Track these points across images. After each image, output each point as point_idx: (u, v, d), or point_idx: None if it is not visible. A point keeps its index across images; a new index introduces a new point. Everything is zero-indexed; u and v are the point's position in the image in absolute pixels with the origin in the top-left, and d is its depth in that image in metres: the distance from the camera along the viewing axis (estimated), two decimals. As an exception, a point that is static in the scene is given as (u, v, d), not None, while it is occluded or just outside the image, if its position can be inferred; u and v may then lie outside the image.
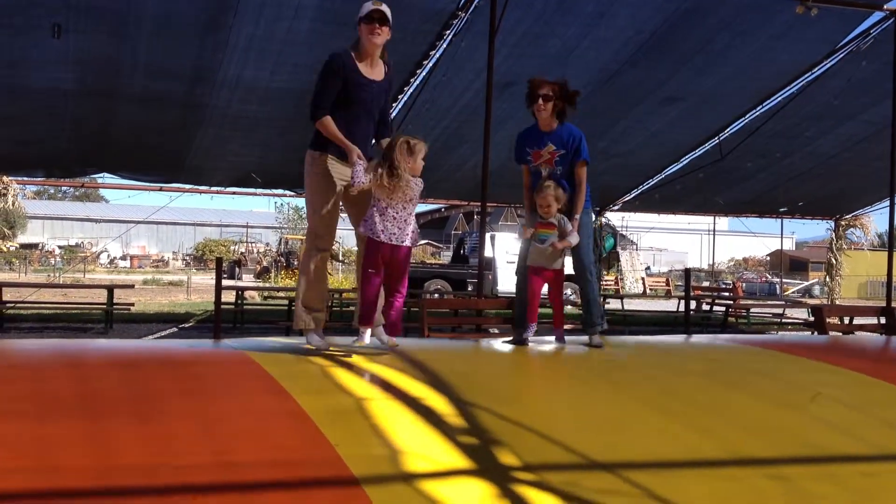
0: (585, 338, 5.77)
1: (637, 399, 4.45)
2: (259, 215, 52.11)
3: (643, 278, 36.92)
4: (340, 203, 4.98)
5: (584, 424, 4.04)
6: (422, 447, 3.42)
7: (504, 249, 21.96)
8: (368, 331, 4.47)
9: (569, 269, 5.75)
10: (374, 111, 4.93)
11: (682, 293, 15.45)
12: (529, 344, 5.65)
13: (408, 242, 4.53)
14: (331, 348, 4.68)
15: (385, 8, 4.79)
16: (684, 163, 15.56)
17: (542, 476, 3.22)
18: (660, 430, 3.94)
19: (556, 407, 4.43)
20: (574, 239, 5.51)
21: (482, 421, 3.72)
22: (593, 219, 6.15)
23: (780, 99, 13.35)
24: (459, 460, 3.33)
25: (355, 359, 4.56)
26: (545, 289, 5.78)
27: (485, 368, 5.25)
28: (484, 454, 3.39)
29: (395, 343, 4.64)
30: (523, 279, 5.73)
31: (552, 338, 5.82)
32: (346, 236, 25.89)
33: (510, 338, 5.85)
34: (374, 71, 4.88)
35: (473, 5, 10.40)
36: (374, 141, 5.08)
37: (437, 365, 4.60)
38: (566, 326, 5.87)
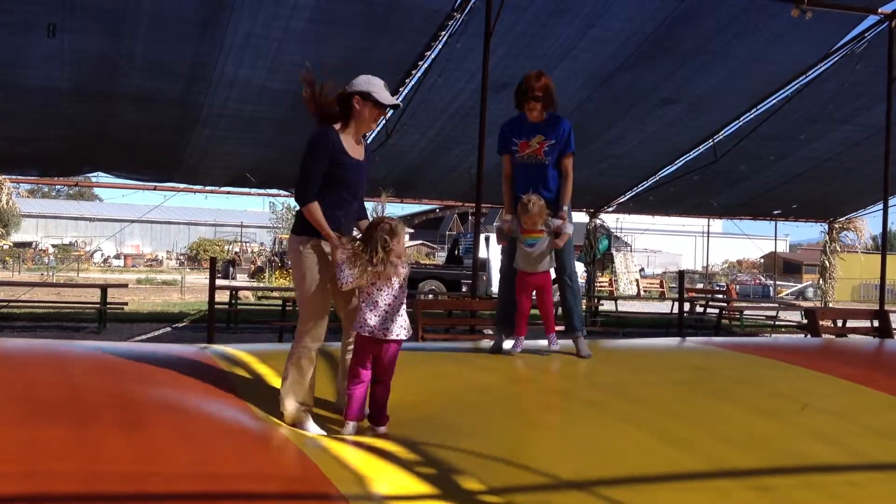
0: (573, 347, 5.65)
1: (616, 415, 4.42)
2: (253, 215, 52.05)
3: (637, 280, 36.96)
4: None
5: (559, 445, 4.02)
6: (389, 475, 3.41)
7: (498, 250, 21.95)
8: (353, 424, 4.14)
9: None
10: (359, 193, 4.58)
11: (676, 295, 15.46)
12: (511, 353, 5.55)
13: (401, 336, 4.24)
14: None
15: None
16: (679, 165, 15.58)
17: (510, 498, 3.20)
18: (639, 446, 3.90)
19: (528, 429, 4.37)
20: (569, 228, 5.42)
21: (443, 455, 3.66)
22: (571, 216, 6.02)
23: (774, 101, 13.38)
24: (422, 487, 3.30)
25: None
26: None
27: (453, 393, 5.08)
28: (447, 482, 3.35)
29: (384, 431, 4.27)
30: (507, 283, 5.64)
31: (543, 342, 5.70)
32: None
33: (491, 344, 5.80)
34: (358, 149, 4.54)
35: (469, 6, 10.41)
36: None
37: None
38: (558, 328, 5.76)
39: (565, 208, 5.50)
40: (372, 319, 4.18)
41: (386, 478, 3.36)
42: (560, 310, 5.85)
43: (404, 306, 4.29)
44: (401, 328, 4.22)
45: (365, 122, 4.51)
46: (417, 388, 4.71)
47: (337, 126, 4.47)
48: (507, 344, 5.63)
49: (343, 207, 4.41)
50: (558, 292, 5.76)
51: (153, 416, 3.77)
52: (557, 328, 5.67)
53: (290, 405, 4.18)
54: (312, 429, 4.14)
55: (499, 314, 5.80)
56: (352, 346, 4.38)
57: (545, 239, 5.38)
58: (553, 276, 5.65)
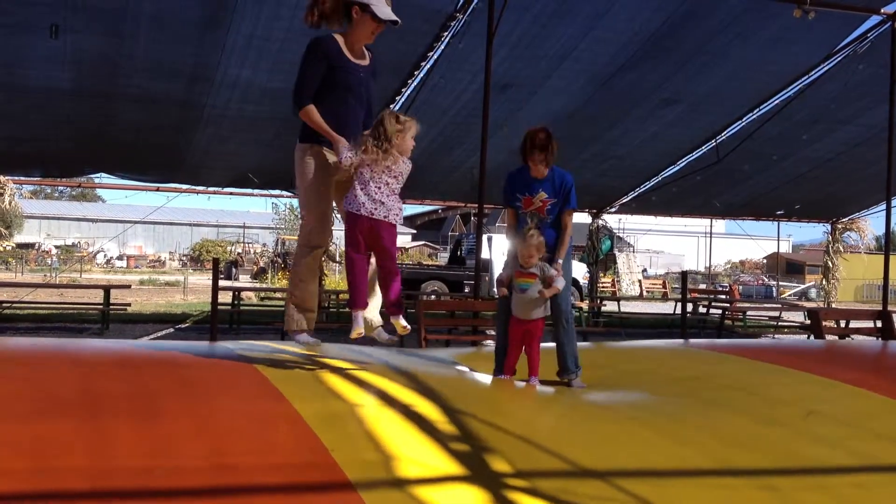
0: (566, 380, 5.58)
1: (624, 415, 4.43)
2: (256, 216, 52.13)
3: (640, 280, 36.96)
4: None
5: (574, 436, 4.03)
6: (415, 453, 3.41)
7: (501, 251, 21.94)
8: (360, 314, 4.17)
9: None
10: (363, 96, 4.68)
11: (679, 295, 15.44)
12: None
13: (391, 218, 4.23)
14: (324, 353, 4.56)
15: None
16: (681, 165, 15.57)
17: (534, 482, 3.22)
18: (650, 444, 3.92)
19: (546, 418, 4.41)
20: (560, 283, 5.35)
21: (473, 428, 3.70)
22: (573, 266, 5.99)
23: (777, 102, 13.37)
24: (451, 466, 3.32)
25: (349, 365, 4.51)
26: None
27: (476, 382, 5.19)
28: (476, 460, 3.38)
29: (405, 326, 4.31)
30: (503, 325, 5.59)
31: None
32: (342, 237, 25.81)
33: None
34: (359, 55, 4.65)
35: (471, 7, 10.41)
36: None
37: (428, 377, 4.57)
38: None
39: (560, 261, 5.50)
40: (361, 196, 4.17)
41: (408, 457, 3.34)
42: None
43: (398, 195, 4.28)
44: (390, 211, 4.20)
45: (363, 33, 4.56)
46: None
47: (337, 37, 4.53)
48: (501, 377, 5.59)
49: (345, 109, 4.44)
50: (554, 335, 5.67)
51: (164, 409, 3.76)
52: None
53: (291, 310, 4.26)
54: (306, 340, 4.20)
55: (497, 359, 5.76)
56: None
57: (537, 284, 5.33)
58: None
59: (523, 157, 5.58)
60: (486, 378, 5.34)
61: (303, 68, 4.52)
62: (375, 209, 4.16)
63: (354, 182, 4.25)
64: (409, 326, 4.39)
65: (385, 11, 4.52)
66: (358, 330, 4.18)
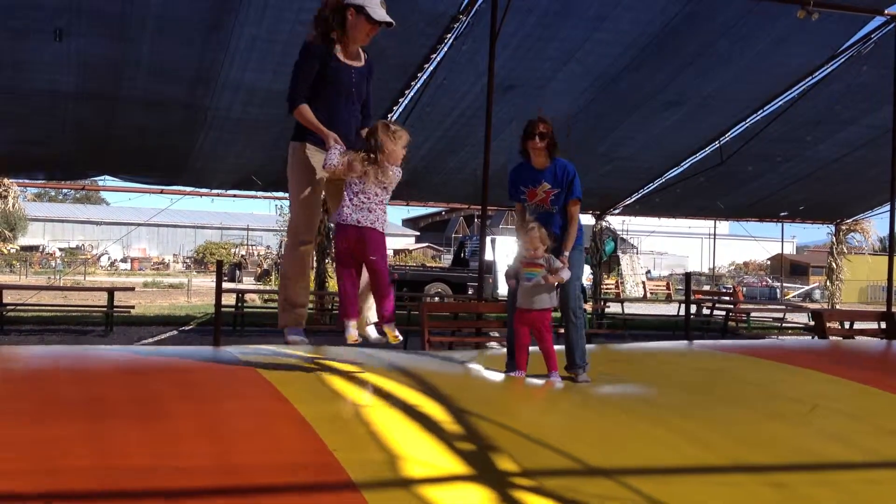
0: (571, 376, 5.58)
1: (632, 412, 4.43)
2: (260, 218, 52.06)
3: (644, 282, 36.94)
4: (323, 195, 4.80)
5: (580, 434, 4.04)
6: (419, 453, 3.41)
7: (505, 253, 21.94)
8: (352, 323, 4.19)
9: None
10: (355, 97, 4.71)
11: (683, 297, 15.42)
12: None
13: (377, 226, 4.24)
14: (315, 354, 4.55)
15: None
16: (685, 166, 15.56)
17: (541, 481, 3.22)
18: (658, 441, 3.92)
19: (552, 417, 4.42)
20: (566, 274, 5.34)
21: (478, 428, 3.71)
22: (584, 257, 6.01)
23: (780, 103, 13.35)
24: (456, 466, 3.32)
25: (351, 367, 4.51)
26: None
27: (480, 381, 5.19)
28: (481, 460, 3.38)
29: (396, 336, 4.34)
30: (511, 319, 5.59)
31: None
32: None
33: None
34: (353, 57, 4.68)
35: (475, 9, 10.42)
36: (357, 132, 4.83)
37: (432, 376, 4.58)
38: None
39: (567, 254, 5.51)
40: (348, 207, 4.22)
41: (413, 457, 3.35)
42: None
43: (384, 205, 4.31)
44: (377, 219, 4.24)
45: (358, 35, 4.59)
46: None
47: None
48: (514, 374, 5.57)
49: (336, 109, 4.48)
50: (563, 329, 5.69)
51: (168, 410, 3.77)
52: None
53: (283, 307, 4.31)
54: (296, 337, 4.22)
55: (508, 349, 5.77)
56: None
57: (542, 273, 5.34)
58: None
59: (523, 148, 5.61)
60: (491, 376, 5.34)
61: (296, 69, 4.61)
62: (362, 217, 4.21)
63: (344, 193, 4.31)
64: (400, 336, 4.44)
65: (379, 13, 4.56)
66: (352, 337, 4.18)
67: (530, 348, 5.45)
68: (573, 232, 5.55)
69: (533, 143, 5.52)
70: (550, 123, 5.60)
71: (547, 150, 5.55)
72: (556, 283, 5.36)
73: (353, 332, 4.19)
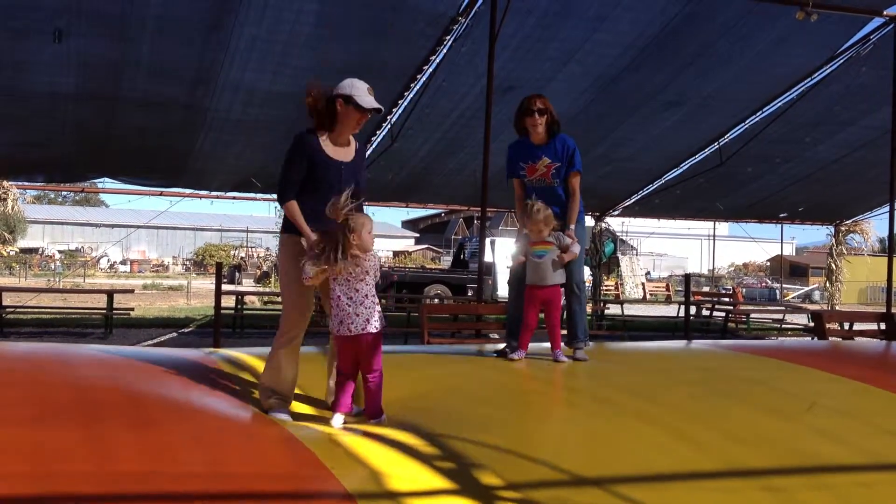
0: (570, 351, 5.66)
1: (628, 412, 4.42)
2: (259, 220, 52.02)
3: (643, 283, 36.88)
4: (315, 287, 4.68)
5: (572, 440, 4.03)
6: (409, 466, 3.42)
7: (504, 254, 21.94)
8: (338, 416, 4.15)
9: None
10: (346, 190, 4.53)
11: (682, 298, 15.42)
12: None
13: (369, 329, 4.19)
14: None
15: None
16: (684, 168, 15.57)
17: (528, 494, 3.20)
18: (651, 443, 3.91)
19: (542, 425, 4.41)
20: (577, 249, 5.43)
21: (461, 447, 3.67)
22: (586, 230, 6.06)
23: (780, 104, 13.36)
24: (445, 480, 3.31)
25: None
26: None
27: (468, 390, 5.10)
28: (466, 476, 3.35)
29: (382, 421, 4.27)
30: (515, 294, 5.65)
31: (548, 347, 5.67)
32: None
33: (501, 347, 5.84)
34: (343, 150, 4.62)
35: (474, 10, 10.42)
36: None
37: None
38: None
39: (572, 227, 5.52)
40: (337, 317, 4.21)
41: (400, 473, 3.35)
42: (565, 316, 5.84)
43: (374, 297, 4.26)
44: (367, 321, 4.19)
45: (347, 124, 4.57)
46: (430, 384, 4.79)
47: (322, 134, 4.56)
48: (514, 355, 5.60)
49: (324, 206, 4.44)
50: (565, 302, 5.75)
51: (163, 416, 3.78)
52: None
53: (265, 392, 4.27)
54: (284, 416, 4.22)
55: (508, 328, 5.78)
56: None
57: (554, 250, 5.39)
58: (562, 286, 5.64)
59: (518, 124, 5.61)
60: (484, 377, 5.34)
61: (285, 165, 4.56)
62: (352, 324, 4.18)
63: (330, 303, 4.30)
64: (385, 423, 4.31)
65: (368, 101, 4.53)
66: (338, 424, 4.16)
67: None
68: (576, 206, 5.60)
69: (532, 120, 5.53)
70: (547, 99, 5.60)
71: (546, 126, 5.55)
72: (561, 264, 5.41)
73: (338, 423, 4.16)
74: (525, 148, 5.68)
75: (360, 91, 4.53)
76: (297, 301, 4.49)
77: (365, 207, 4.76)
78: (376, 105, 4.57)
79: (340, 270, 4.18)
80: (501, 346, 5.92)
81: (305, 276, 4.27)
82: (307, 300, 4.51)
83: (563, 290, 5.62)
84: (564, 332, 5.74)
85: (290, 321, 4.48)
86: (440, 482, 3.29)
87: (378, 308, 4.26)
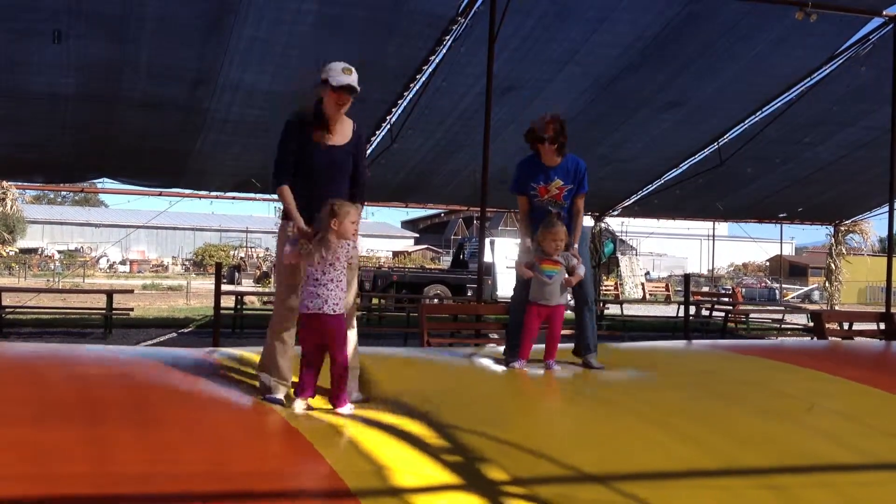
0: (581, 361, 5.69)
1: (629, 412, 4.43)
2: (259, 220, 52.03)
3: (643, 283, 36.84)
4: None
5: (576, 439, 4.03)
6: (412, 461, 3.42)
7: (504, 254, 21.94)
8: (299, 401, 4.16)
9: None
10: (338, 176, 4.60)
11: (682, 298, 15.42)
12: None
13: (326, 309, 4.18)
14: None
15: (355, 78, 4.51)
16: (684, 168, 15.59)
17: (533, 489, 3.21)
18: (652, 443, 3.91)
19: (546, 423, 4.44)
20: (582, 271, 5.51)
21: (468, 441, 3.69)
22: (589, 243, 6.18)
23: (779, 104, 13.37)
24: (450, 475, 3.32)
25: None
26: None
27: (473, 387, 5.15)
28: (472, 471, 3.37)
29: (347, 412, 4.20)
30: (518, 308, 5.65)
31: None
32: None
33: (501, 349, 5.88)
34: (339, 133, 4.59)
35: (473, 10, 10.43)
36: None
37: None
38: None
39: (576, 246, 5.56)
40: (307, 296, 4.24)
41: (403, 468, 3.35)
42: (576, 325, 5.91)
43: (340, 284, 4.26)
44: (325, 302, 4.20)
45: (331, 108, 4.55)
46: (431, 381, 4.85)
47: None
48: (515, 363, 5.60)
49: (316, 191, 4.45)
50: (576, 314, 5.84)
51: (164, 416, 3.78)
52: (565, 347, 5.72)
53: (264, 376, 4.31)
54: (279, 397, 4.24)
55: (509, 342, 5.79)
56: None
57: (562, 271, 5.46)
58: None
59: (533, 146, 5.65)
60: (486, 378, 5.34)
61: (278, 148, 4.58)
62: (311, 302, 4.20)
63: (303, 283, 4.32)
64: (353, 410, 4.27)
65: (339, 79, 4.46)
66: (300, 409, 4.16)
67: None
68: (580, 225, 5.71)
69: (544, 148, 5.57)
70: (558, 119, 5.61)
71: (558, 149, 5.59)
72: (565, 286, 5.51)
73: (299, 408, 4.15)
74: (537, 168, 5.68)
75: (335, 72, 4.49)
76: (287, 283, 4.51)
77: (365, 207, 4.78)
78: (346, 82, 4.46)
79: (311, 252, 4.20)
80: (501, 348, 5.94)
81: (285, 254, 4.36)
82: (296, 283, 4.51)
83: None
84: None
85: (285, 305, 4.51)
86: (444, 477, 3.30)
87: (342, 296, 4.27)
